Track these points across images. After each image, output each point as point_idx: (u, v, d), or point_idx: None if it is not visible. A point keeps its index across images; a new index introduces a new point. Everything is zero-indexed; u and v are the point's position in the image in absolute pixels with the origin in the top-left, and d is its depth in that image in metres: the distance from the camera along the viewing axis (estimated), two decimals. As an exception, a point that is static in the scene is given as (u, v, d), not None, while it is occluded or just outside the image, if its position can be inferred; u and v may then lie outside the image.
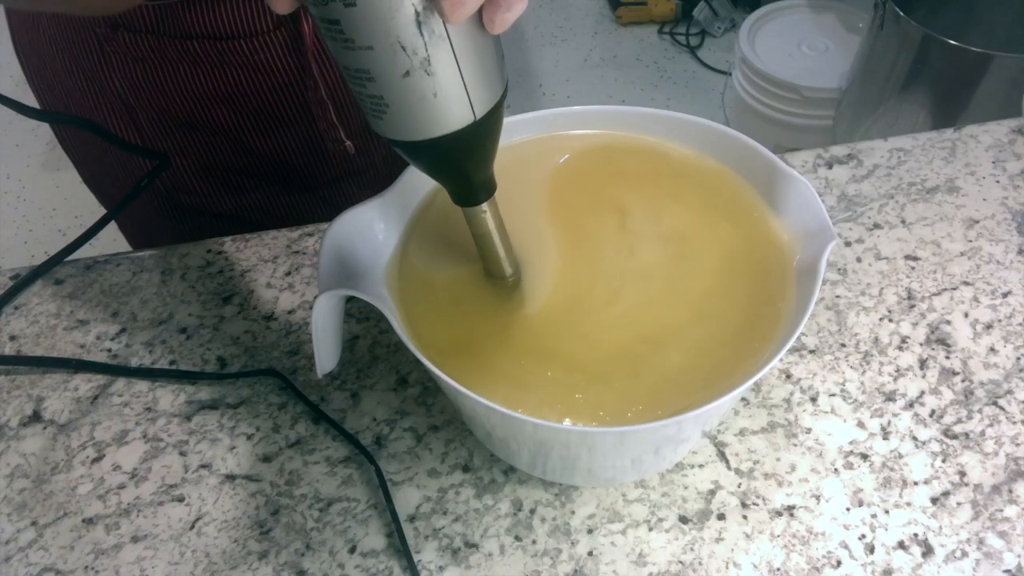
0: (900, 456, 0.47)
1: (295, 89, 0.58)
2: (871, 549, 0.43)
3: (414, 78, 0.30)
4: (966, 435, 0.47)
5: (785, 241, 0.42)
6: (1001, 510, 0.44)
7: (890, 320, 0.53)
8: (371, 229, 0.43)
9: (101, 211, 0.52)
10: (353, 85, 0.32)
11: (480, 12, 0.30)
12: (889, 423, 0.48)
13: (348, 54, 0.30)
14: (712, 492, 0.45)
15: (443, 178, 0.37)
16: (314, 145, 0.62)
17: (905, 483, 0.46)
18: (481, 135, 0.34)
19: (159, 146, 0.59)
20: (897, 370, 0.50)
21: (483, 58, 0.31)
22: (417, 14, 0.28)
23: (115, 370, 0.52)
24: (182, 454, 0.48)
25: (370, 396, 0.50)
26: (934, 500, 0.45)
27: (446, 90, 0.31)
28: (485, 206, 0.38)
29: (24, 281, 0.56)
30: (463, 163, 0.35)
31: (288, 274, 0.57)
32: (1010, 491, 0.45)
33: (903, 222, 0.58)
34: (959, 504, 0.45)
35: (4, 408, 0.51)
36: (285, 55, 0.56)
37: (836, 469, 0.46)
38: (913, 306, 0.53)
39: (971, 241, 0.57)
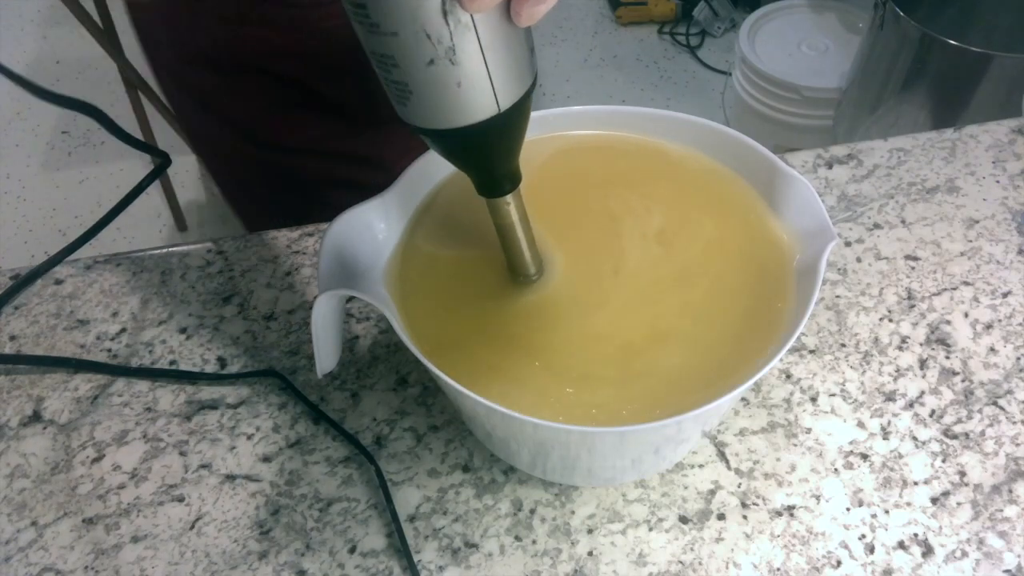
0: (900, 456, 0.47)
1: (355, 51, 0.63)
2: (871, 549, 0.43)
3: (438, 67, 0.30)
4: (966, 435, 0.47)
5: (785, 241, 0.42)
6: (1001, 510, 0.44)
7: (890, 320, 0.53)
8: (371, 229, 0.43)
9: (100, 212, 0.52)
10: (379, 70, 0.31)
11: (508, 3, 0.29)
12: (889, 423, 0.48)
13: (373, 39, 0.30)
14: (712, 492, 0.45)
15: (466, 168, 0.37)
16: (372, 95, 0.66)
17: (905, 483, 0.46)
18: (506, 127, 0.33)
19: (234, 87, 0.64)
20: (897, 370, 0.50)
21: (511, 49, 0.31)
22: (443, 2, 0.28)
23: (115, 370, 0.52)
24: (182, 454, 0.48)
25: (370, 396, 0.50)
26: (934, 500, 0.45)
27: (471, 80, 0.31)
28: (509, 198, 0.38)
29: (24, 281, 0.56)
30: (487, 154, 0.35)
31: (288, 274, 0.57)
32: (1010, 491, 0.45)
33: (903, 222, 0.58)
34: (959, 504, 0.45)
35: (4, 408, 0.51)
36: (348, 24, 0.62)
37: (836, 469, 0.46)
38: (913, 306, 0.53)
39: (971, 241, 0.57)
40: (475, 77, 0.31)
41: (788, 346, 0.36)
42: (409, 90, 0.31)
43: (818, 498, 0.45)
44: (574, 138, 0.48)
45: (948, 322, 0.53)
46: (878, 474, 0.46)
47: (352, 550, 0.44)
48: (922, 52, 1.28)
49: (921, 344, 0.52)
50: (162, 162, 0.56)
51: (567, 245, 0.43)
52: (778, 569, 0.43)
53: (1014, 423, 0.48)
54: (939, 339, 0.52)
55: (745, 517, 0.44)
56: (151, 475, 0.47)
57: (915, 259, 0.56)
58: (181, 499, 0.46)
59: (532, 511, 0.45)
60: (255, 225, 0.81)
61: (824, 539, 0.44)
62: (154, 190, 1.84)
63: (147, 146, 0.56)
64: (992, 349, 0.51)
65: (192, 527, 0.45)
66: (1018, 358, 0.51)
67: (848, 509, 0.45)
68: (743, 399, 0.49)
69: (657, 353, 0.39)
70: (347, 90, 0.66)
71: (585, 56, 2.09)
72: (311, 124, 0.67)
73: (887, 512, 0.44)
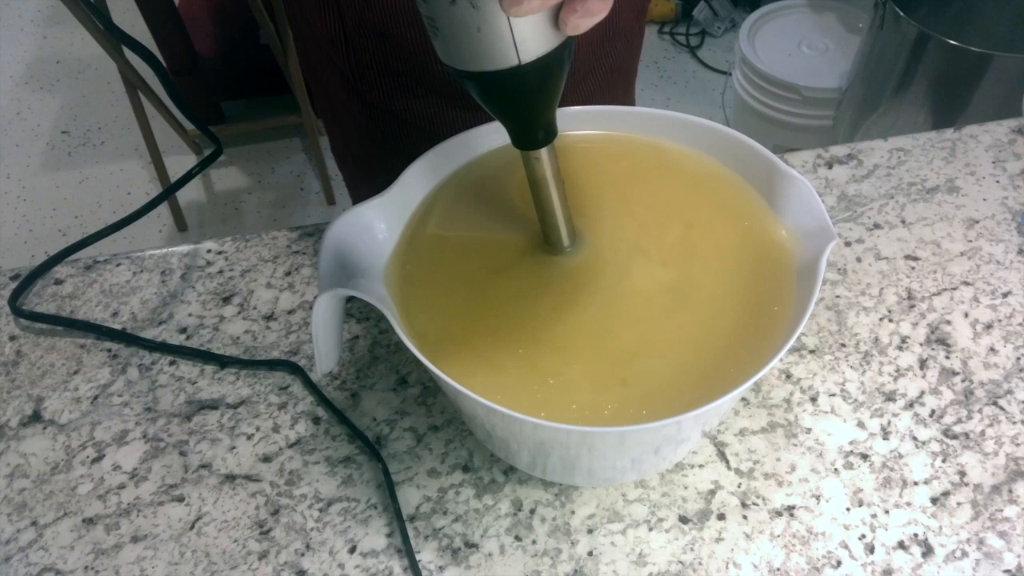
0: (900, 456, 0.47)
1: None
2: (871, 549, 0.43)
3: (459, 8, 0.30)
4: (966, 435, 0.47)
5: (785, 241, 0.42)
6: (1001, 510, 0.44)
7: (890, 320, 0.53)
8: (371, 229, 0.43)
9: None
10: (416, 1, 0.32)
11: None
12: (889, 423, 0.48)
13: None
14: (712, 492, 0.45)
15: (498, 115, 0.37)
16: None
17: (905, 483, 0.46)
18: (528, 81, 0.33)
19: (356, 44, 0.63)
20: (897, 370, 0.50)
21: None
22: None
23: (138, 341, 0.52)
24: (182, 454, 0.48)
25: (370, 396, 0.50)
26: (934, 500, 0.45)
27: (490, 27, 0.31)
28: (542, 152, 0.38)
29: (45, 265, 0.56)
30: (515, 104, 0.35)
31: (288, 274, 0.57)
32: (1010, 491, 0.45)
33: (903, 222, 0.58)
34: (959, 504, 0.45)
35: (4, 408, 0.51)
36: None
37: (836, 469, 0.46)
38: (913, 306, 0.53)
39: (971, 241, 0.57)
40: (495, 25, 0.31)
41: (788, 346, 0.36)
42: (436, 26, 0.32)
43: (818, 498, 0.45)
44: (574, 138, 0.48)
45: (948, 322, 0.53)
46: (878, 474, 0.46)
47: (352, 550, 0.44)
48: (922, 52, 1.28)
49: (921, 344, 0.52)
50: (217, 148, 0.57)
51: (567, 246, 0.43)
52: (778, 569, 0.43)
53: (1014, 423, 0.48)
54: (939, 339, 0.52)
55: (745, 517, 0.44)
56: (151, 475, 0.47)
57: (915, 259, 0.56)
58: (181, 499, 0.46)
59: (532, 511, 0.45)
60: (355, 187, 0.80)
61: (824, 539, 0.44)
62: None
63: (204, 126, 0.57)
64: (992, 349, 0.51)
65: (192, 527, 0.45)
66: (1018, 358, 0.51)
67: (848, 509, 0.45)
68: (743, 399, 0.49)
69: (654, 351, 0.39)
70: None
71: (585, 56, 2.09)
72: (416, 96, 0.66)
73: (887, 512, 0.44)
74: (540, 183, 0.39)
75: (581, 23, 0.31)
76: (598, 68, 0.66)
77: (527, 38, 0.32)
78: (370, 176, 0.75)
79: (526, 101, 0.35)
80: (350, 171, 0.80)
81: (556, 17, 0.32)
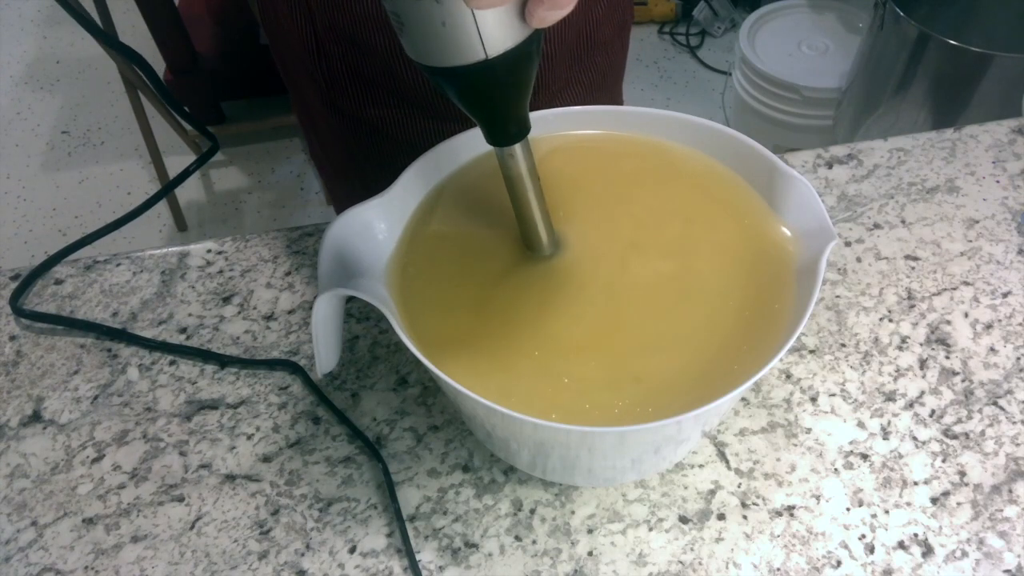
0: (900, 456, 0.47)
1: None
2: (871, 549, 0.43)
3: (423, 3, 0.30)
4: (966, 435, 0.47)
5: (785, 241, 0.42)
6: (1001, 510, 0.44)
7: (890, 320, 0.53)
8: (371, 229, 0.43)
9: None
10: None
11: None
12: (889, 423, 0.48)
13: None
14: (712, 492, 0.45)
15: (466, 110, 0.37)
16: None
17: (905, 483, 0.46)
18: (496, 75, 0.33)
19: (326, 50, 0.63)
20: (897, 370, 0.50)
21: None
22: None
23: (139, 341, 0.52)
24: (182, 454, 0.48)
25: (370, 396, 0.50)
26: (934, 500, 0.45)
27: (455, 21, 0.30)
28: (517, 148, 0.37)
29: (45, 264, 0.56)
30: (482, 99, 0.35)
31: (288, 274, 0.57)
32: (1010, 491, 0.45)
33: (903, 222, 0.58)
34: (959, 504, 0.45)
35: (4, 408, 0.51)
36: None
37: (836, 469, 0.46)
38: (913, 306, 0.53)
39: (971, 241, 0.57)
40: (459, 19, 0.30)
41: (788, 346, 0.36)
42: (401, 22, 0.32)
43: (818, 498, 0.45)
44: (574, 138, 0.48)
45: (948, 322, 0.53)
46: (878, 474, 0.46)
47: (352, 550, 0.44)
48: (922, 52, 1.28)
49: (921, 344, 0.52)
50: (213, 145, 0.57)
51: (567, 244, 0.43)
52: (778, 569, 0.43)
53: (1014, 423, 0.48)
54: (939, 339, 0.52)
55: (745, 517, 0.44)
56: (151, 475, 0.47)
57: (915, 259, 0.56)
58: (181, 499, 0.46)
59: (532, 511, 0.45)
60: (334, 192, 0.81)
61: (824, 539, 0.44)
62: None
63: (200, 124, 0.57)
64: (992, 349, 0.51)
65: (192, 527, 0.45)
66: (1018, 358, 0.51)
67: (848, 509, 0.45)
68: (743, 399, 0.49)
69: (655, 351, 0.39)
70: (425, 77, 0.64)
71: (585, 56, 2.09)
72: (388, 105, 0.66)
73: (887, 512, 0.45)
74: (515, 180, 0.39)
75: (548, 16, 0.30)
76: (576, 83, 0.65)
77: (493, 32, 0.31)
78: (347, 182, 0.75)
79: (495, 96, 0.35)
80: (328, 176, 0.80)
81: (523, 10, 0.31)
